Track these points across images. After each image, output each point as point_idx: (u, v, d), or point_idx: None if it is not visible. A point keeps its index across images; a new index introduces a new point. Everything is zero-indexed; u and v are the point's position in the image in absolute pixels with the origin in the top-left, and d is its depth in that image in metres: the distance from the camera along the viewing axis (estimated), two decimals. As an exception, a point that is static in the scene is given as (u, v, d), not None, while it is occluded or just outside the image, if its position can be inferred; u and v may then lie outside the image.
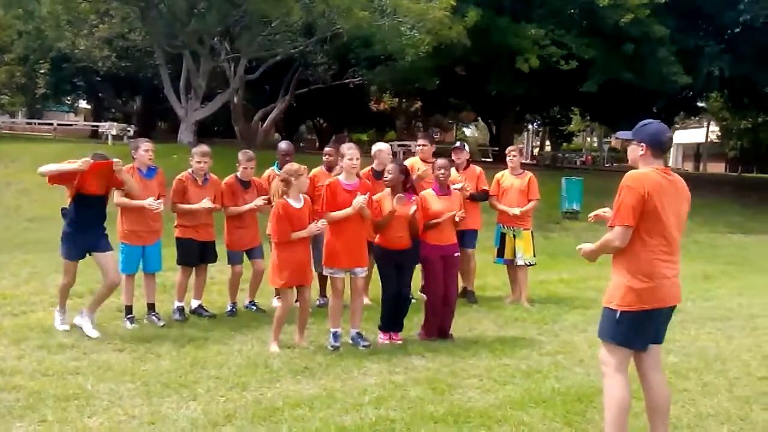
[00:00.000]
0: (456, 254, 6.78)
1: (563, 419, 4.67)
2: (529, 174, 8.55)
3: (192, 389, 4.99)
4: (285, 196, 5.96)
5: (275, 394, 4.95)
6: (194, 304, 7.33)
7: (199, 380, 5.18)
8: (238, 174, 7.45)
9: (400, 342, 6.40)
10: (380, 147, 7.80)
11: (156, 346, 6.00)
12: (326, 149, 8.08)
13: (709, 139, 49.90)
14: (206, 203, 7.04)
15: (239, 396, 4.90)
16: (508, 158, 8.55)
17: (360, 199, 6.04)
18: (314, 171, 7.70)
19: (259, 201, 7.25)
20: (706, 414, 4.84)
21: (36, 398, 4.73)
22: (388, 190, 6.39)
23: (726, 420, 4.73)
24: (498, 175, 8.60)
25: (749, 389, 5.30)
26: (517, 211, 8.22)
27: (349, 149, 6.27)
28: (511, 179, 8.44)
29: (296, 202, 5.98)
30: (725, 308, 8.56)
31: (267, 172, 7.90)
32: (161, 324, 6.72)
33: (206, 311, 7.30)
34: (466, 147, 8.57)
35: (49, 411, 4.53)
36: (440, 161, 6.83)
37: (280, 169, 7.65)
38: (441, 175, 6.72)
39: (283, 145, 8.18)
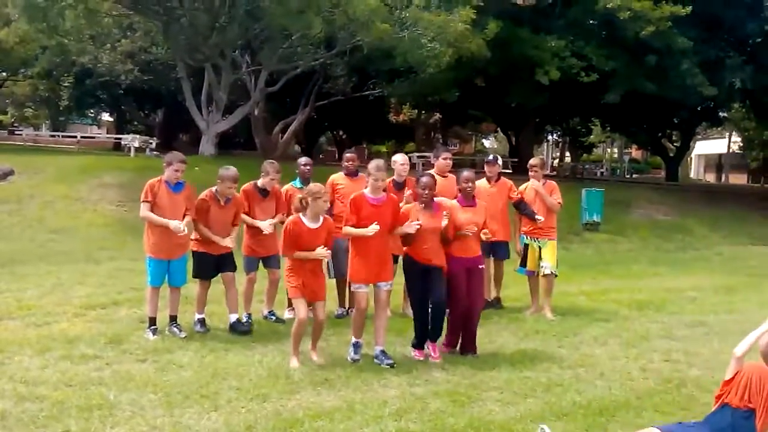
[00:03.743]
0: (481, 266, 6.72)
1: (584, 433, 4.66)
2: (552, 184, 8.53)
3: (213, 400, 5.02)
4: (301, 214, 5.98)
5: (296, 406, 4.96)
6: (232, 318, 7.18)
7: (221, 391, 5.20)
8: (259, 182, 7.46)
9: (438, 360, 6.22)
10: (395, 158, 7.89)
11: (178, 357, 6.04)
12: (348, 155, 8.12)
13: (731, 150, 49.42)
14: (228, 242, 7.06)
15: (260, 407, 4.92)
16: (530, 173, 8.50)
17: (374, 227, 5.93)
18: (333, 177, 7.84)
19: (267, 226, 7.24)
20: (729, 428, 4.78)
21: (59, 408, 4.77)
22: (416, 204, 6.37)
23: (750, 435, 4.67)
24: (522, 187, 8.58)
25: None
26: (541, 219, 8.23)
27: (377, 170, 6.12)
28: (533, 192, 8.42)
29: (311, 223, 5.95)
30: (749, 321, 8.33)
31: (286, 187, 7.91)
32: (182, 335, 6.76)
33: (244, 323, 7.26)
34: (499, 160, 8.50)
35: (72, 421, 4.57)
36: (466, 173, 6.73)
37: (302, 183, 7.72)
38: (468, 188, 6.65)
39: (303, 159, 8.24)
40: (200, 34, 21.55)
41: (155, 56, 25.89)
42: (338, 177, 7.89)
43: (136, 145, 23.79)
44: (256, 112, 26.16)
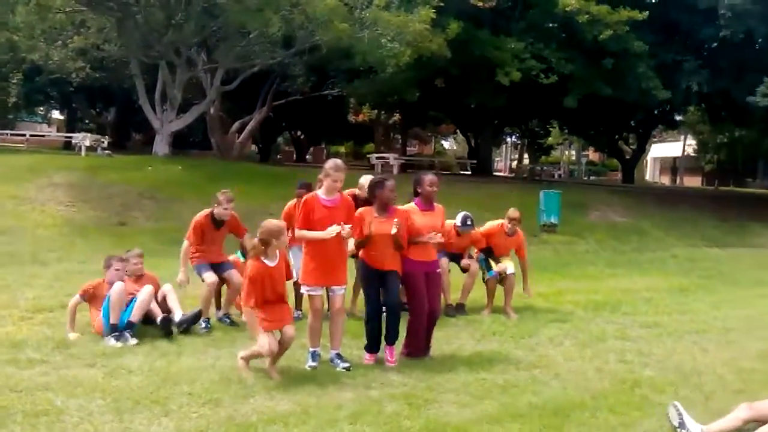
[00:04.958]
0: (438, 270, 6.69)
1: (540, 434, 4.65)
2: (522, 237, 8.89)
3: (164, 405, 4.90)
4: (262, 257, 5.66)
5: (249, 411, 4.87)
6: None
7: (171, 396, 5.08)
8: (215, 212, 7.41)
9: (393, 364, 6.13)
10: (362, 182, 7.75)
11: (127, 362, 5.88)
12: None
13: (685, 153, 50.54)
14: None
15: (212, 412, 4.81)
16: (508, 224, 8.67)
17: (334, 229, 5.80)
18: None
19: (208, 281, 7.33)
20: (682, 428, 4.82)
21: (4, 414, 4.63)
22: (371, 208, 6.27)
23: (703, 434, 4.71)
24: (493, 227, 8.80)
25: (725, 403, 5.26)
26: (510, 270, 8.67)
27: (336, 170, 5.97)
28: (504, 239, 8.75)
29: (271, 261, 5.69)
30: (701, 321, 8.61)
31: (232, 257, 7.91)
32: (134, 342, 6.55)
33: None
34: (473, 225, 8.54)
35: (17, 427, 4.44)
36: (431, 177, 6.62)
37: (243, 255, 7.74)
38: (433, 192, 6.54)
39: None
40: (155, 31, 21.21)
41: (108, 53, 25.38)
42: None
43: (87, 143, 23.31)
44: (212, 111, 25.83)
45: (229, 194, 7.46)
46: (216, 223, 7.43)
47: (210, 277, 7.34)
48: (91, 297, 6.91)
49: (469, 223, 8.43)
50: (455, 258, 8.69)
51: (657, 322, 8.41)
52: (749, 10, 22.41)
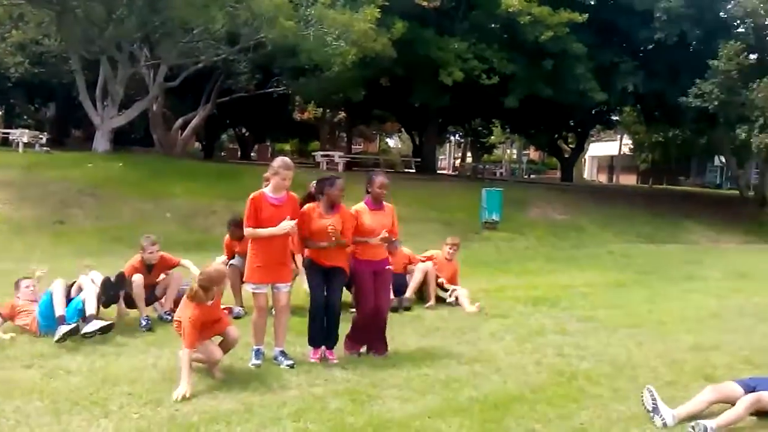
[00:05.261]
0: (387, 267, 6.70)
1: (480, 427, 4.74)
2: (456, 262, 9.60)
3: (103, 406, 4.84)
4: (198, 302, 5.54)
5: (191, 410, 4.84)
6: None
7: (111, 397, 5.02)
8: (144, 257, 7.55)
9: (335, 361, 6.18)
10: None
11: (65, 362, 5.79)
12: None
13: (621, 152, 51.76)
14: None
15: (153, 413, 4.78)
16: (448, 249, 9.42)
17: (288, 224, 5.84)
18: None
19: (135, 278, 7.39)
20: (616, 419, 4.98)
21: (-64, 419, 4.49)
22: (317, 204, 6.28)
23: (636, 424, 4.88)
24: (436, 254, 9.43)
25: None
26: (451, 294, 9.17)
27: (286, 168, 5.95)
28: (444, 264, 9.36)
29: (210, 300, 5.63)
30: (636, 315, 8.86)
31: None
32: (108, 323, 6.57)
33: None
34: (400, 246, 8.49)
35: (-50, 432, 4.33)
36: (381, 178, 6.53)
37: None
38: (382, 194, 6.49)
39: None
40: (96, 26, 20.73)
41: (47, 48, 24.70)
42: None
43: (25, 140, 22.61)
44: (154, 108, 25.36)
45: (152, 238, 7.68)
46: (148, 267, 7.56)
47: (137, 275, 7.38)
48: (10, 314, 6.81)
49: (393, 239, 8.53)
50: (395, 279, 8.44)
51: (593, 316, 8.65)
52: (683, 14, 23.22)
